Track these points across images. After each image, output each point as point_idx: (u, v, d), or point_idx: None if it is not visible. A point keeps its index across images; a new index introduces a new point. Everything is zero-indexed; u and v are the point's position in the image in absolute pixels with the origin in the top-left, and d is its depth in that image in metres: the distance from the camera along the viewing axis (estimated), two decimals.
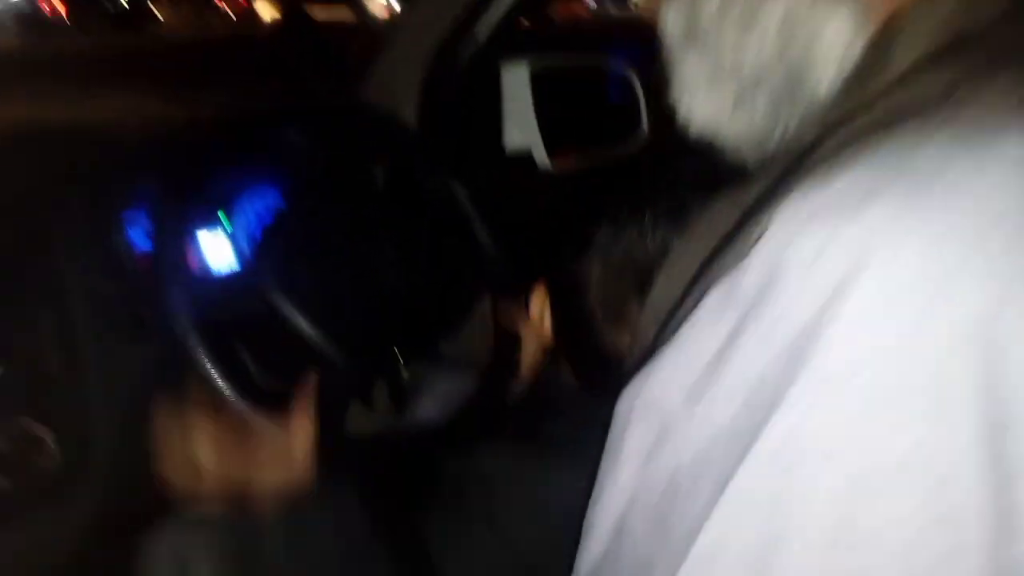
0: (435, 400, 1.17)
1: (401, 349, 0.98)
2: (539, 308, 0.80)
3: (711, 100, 0.49)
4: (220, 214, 1.05)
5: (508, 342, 1.07)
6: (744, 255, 0.34)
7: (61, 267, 0.91)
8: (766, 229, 0.33)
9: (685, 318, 0.37)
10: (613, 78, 1.58)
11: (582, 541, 0.40)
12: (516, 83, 1.42)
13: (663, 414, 0.36)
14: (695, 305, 0.37)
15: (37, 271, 0.90)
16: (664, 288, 0.47)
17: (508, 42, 1.37)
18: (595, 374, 0.76)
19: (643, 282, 0.67)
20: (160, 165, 0.94)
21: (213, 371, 0.78)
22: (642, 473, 0.36)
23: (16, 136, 0.99)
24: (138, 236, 1.00)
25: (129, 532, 0.86)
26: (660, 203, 0.67)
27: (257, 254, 0.96)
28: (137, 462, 0.84)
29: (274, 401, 0.84)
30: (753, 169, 0.49)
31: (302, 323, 0.88)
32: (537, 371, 1.02)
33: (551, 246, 0.88)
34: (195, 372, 0.80)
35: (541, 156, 1.44)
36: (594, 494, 0.40)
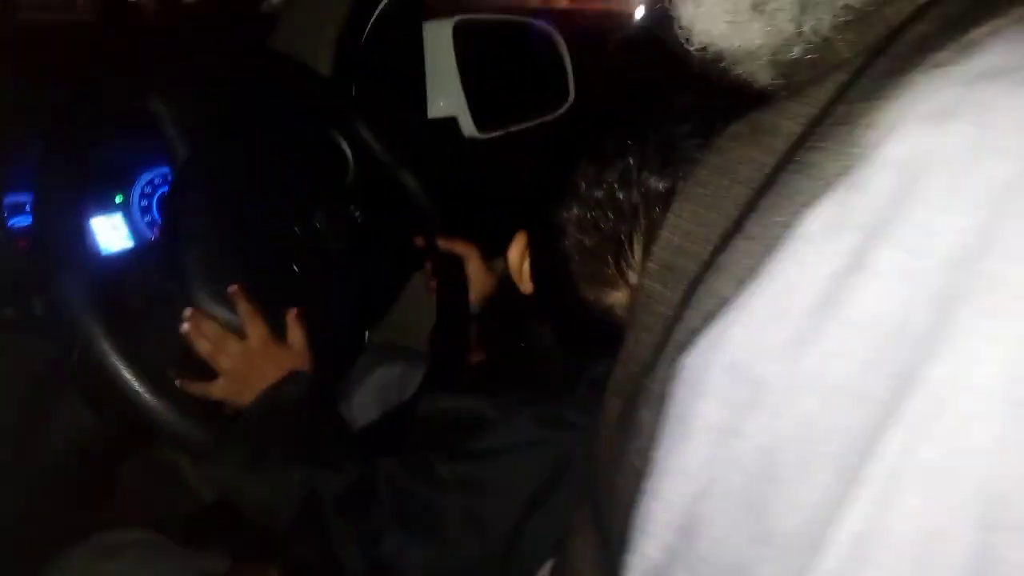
0: (375, 395, 1.07)
1: (335, 329, 0.87)
2: (518, 257, 0.71)
3: (722, 4, 0.42)
4: (119, 188, 0.91)
5: (451, 292, 0.98)
6: (845, 169, 0.27)
7: None
8: (875, 129, 0.26)
9: (746, 261, 0.30)
10: (536, 38, 1.50)
11: (629, 542, 0.32)
12: (439, 42, 1.31)
13: (750, 377, 0.28)
14: (765, 243, 0.29)
15: None
16: (689, 232, 0.39)
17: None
18: (575, 332, 0.68)
19: (630, 229, 0.59)
20: (40, 141, 0.80)
21: (113, 356, 0.66)
22: (721, 453, 0.29)
23: None
24: (20, 220, 0.86)
25: (21, 558, 0.72)
26: (647, 141, 0.59)
27: (164, 237, 0.83)
28: (33, 475, 0.71)
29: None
30: (773, 87, 0.42)
31: (216, 308, 0.77)
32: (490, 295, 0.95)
33: (515, 190, 0.79)
34: (91, 361, 0.67)
35: (468, 123, 1.34)
36: (644, 484, 0.32)
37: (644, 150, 0.59)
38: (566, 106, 1.49)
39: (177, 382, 0.75)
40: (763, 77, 0.43)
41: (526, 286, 0.71)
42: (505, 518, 0.62)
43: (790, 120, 0.37)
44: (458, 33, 1.32)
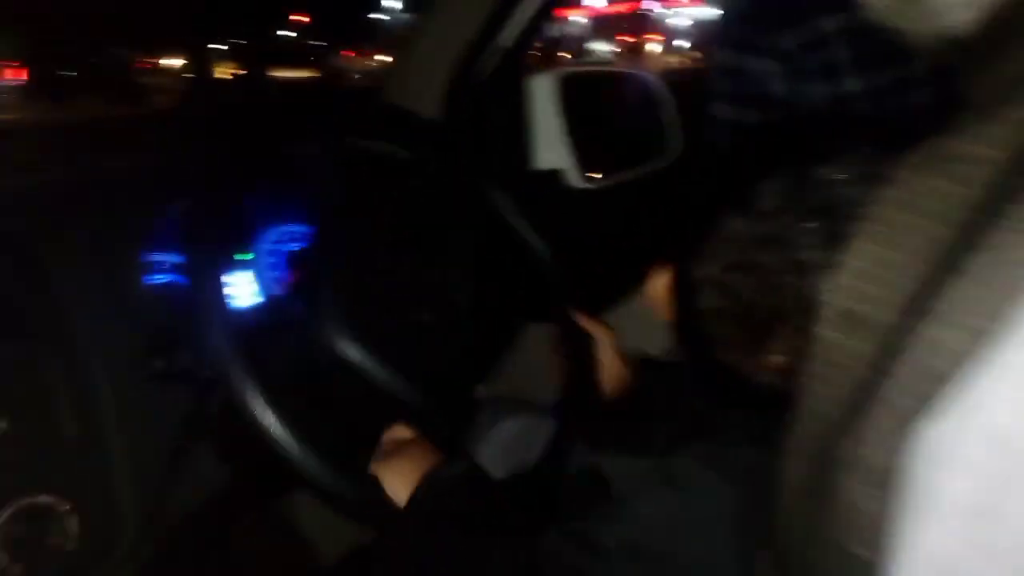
0: (502, 449, 1.04)
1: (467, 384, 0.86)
2: (662, 293, 0.67)
3: None
4: (249, 245, 0.93)
5: (580, 369, 0.95)
6: None
7: (67, 308, 0.79)
8: None
9: (977, 307, 0.27)
10: (639, 87, 1.50)
11: None
12: (543, 96, 1.32)
13: (1016, 448, 0.25)
14: (1000, 286, 0.26)
15: (40, 312, 0.77)
16: (870, 274, 0.36)
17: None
18: (726, 390, 0.64)
19: (801, 284, 0.55)
20: (183, 199, 0.83)
21: (268, 416, 0.65)
22: (977, 533, 0.25)
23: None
24: (160, 276, 0.88)
25: None
26: (804, 189, 0.55)
27: (300, 287, 0.84)
28: (175, 536, 0.70)
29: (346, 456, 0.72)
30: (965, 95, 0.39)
31: (369, 363, 0.76)
32: (623, 386, 0.91)
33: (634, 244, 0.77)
34: (240, 418, 0.67)
35: (575, 175, 1.34)
36: (875, 566, 0.28)
37: (802, 200, 0.55)
38: (674, 155, 1.47)
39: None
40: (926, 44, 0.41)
41: (666, 318, 0.68)
42: None
43: (987, 146, 0.34)
44: (562, 85, 1.33)
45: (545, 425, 0.99)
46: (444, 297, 0.84)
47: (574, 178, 1.33)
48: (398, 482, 0.72)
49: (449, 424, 0.80)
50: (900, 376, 0.32)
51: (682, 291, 0.64)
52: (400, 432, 0.79)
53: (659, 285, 0.69)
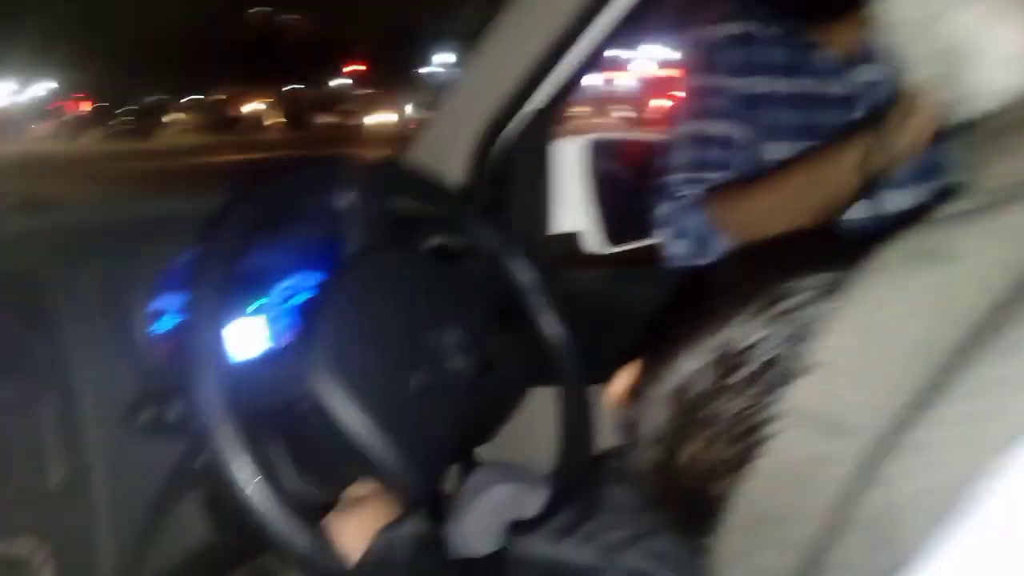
0: (489, 515, 1.02)
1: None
2: (619, 391, 0.62)
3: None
4: (256, 293, 0.93)
5: (578, 440, 0.93)
6: None
7: (68, 352, 0.79)
8: None
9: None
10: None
11: None
12: (569, 159, 1.32)
13: None
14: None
15: (40, 354, 0.77)
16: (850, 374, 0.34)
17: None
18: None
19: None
20: (185, 238, 0.83)
21: (246, 471, 0.64)
22: None
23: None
24: (160, 319, 0.88)
25: None
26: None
27: (300, 337, 0.83)
28: None
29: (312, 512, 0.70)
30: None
31: (348, 416, 0.74)
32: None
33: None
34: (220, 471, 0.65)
35: (593, 238, 1.33)
36: None
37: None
38: None
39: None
40: None
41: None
42: None
43: (997, 244, 0.32)
44: (590, 151, 1.33)
45: (538, 494, 0.96)
46: (444, 361, 0.83)
47: (592, 242, 1.33)
48: (352, 538, 0.70)
49: (428, 487, 0.77)
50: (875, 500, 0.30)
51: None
52: (364, 488, 0.77)
53: (621, 384, 0.64)
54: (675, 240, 1.21)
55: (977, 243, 0.32)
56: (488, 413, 0.99)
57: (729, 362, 0.44)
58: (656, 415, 0.49)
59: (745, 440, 0.41)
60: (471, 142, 1.16)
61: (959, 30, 0.37)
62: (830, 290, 0.43)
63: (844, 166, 0.96)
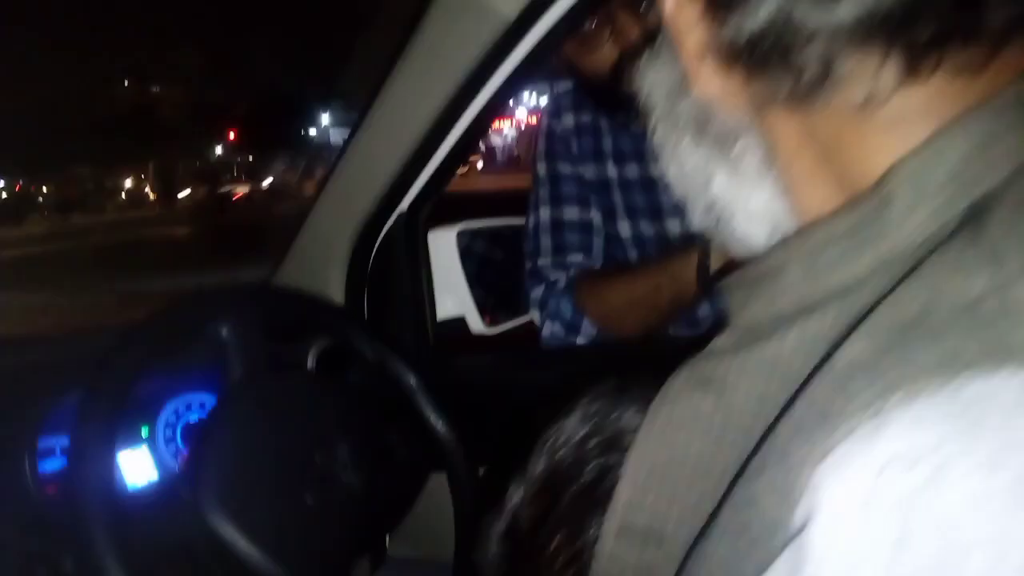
0: None
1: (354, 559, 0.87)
2: None
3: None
4: (141, 420, 0.94)
5: (472, 528, 0.98)
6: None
7: None
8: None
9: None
10: None
11: None
12: (444, 249, 1.39)
13: None
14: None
15: None
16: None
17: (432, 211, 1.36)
18: None
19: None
20: (71, 373, 0.84)
21: None
22: None
23: None
24: (51, 464, 0.88)
25: None
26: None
27: (188, 466, 0.85)
28: None
29: None
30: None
31: (243, 545, 0.77)
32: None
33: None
34: None
35: (475, 320, 1.40)
36: None
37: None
38: None
39: None
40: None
41: None
42: None
43: (749, 377, 0.37)
44: (461, 239, 1.41)
45: None
46: (335, 478, 0.86)
47: (475, 323, 1.40)
48: None
49: None
50: None
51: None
52: None
53: None
54: (549, 322, 1.30)
55: (736, 376, 0.38)
56: (388, 512, 1.02)
57: (557, 487, 0.48)
58: (493, 552, 0.53)
59: (578, 562, 0.46)
60: (346, 247, 1.20)
61: (721, 190, 0.46)
62: (643, 405, 0.50)
63: (690, 267, 1.05)
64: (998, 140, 0.35)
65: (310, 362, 1.02)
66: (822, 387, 0.32)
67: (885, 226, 0.35)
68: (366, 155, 1.22)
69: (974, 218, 0.34)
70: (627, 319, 1.17)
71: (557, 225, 1.32)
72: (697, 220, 0.49)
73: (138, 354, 0.79)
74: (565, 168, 1.34)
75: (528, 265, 1.34)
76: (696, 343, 0.45)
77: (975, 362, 0.28)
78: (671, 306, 1.10)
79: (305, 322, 1.01)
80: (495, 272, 1.48)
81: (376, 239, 1.24)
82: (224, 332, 0.86)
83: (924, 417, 0.27)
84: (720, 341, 0.40)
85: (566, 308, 1.26)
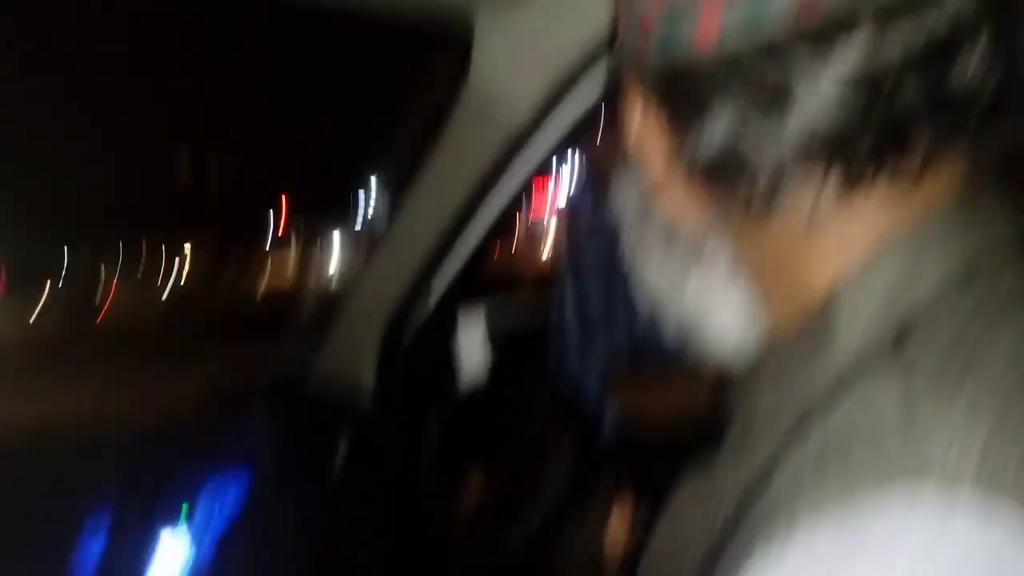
0: None
1: None
2: None
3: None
4: (180, 512, 0.98)
5: None
6: None
7: None
8: None
9: None
10: None
11: None
12: (472, 332, 1.43)
13: None
14: None
15: None
16: None
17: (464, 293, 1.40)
18: None
19: None
20: (116, 466, 0.90)
21: None
22: None
23: None
24: (88, 544, 0.92)
25: None
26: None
27: (221, 555, 0.89)
28: None
29: None
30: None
31: None
32: None
33: None
34: None
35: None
36: None
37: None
38: None
39: None
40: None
41: None
42: None
43: (734, 475, 0.42)
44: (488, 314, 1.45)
45: None
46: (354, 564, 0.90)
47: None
48: None
49: None
50: None
51: None
52: None
53: None
54: (579, 394, 1.34)
55: (726, 472, 0.43)
56: None
57: None
58: None
59: None
60: (376, 338, 1.25)
61: (692, 301, 0.50)
62: None
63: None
64: (929, 249, 0.39)
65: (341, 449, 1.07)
66: (758, 509, 0.37)
67: (827, 353, 0.39)
68: (399, 247, 1.25)
69: (899, 333, 0.37)
70: (655, 417, 1.23)
71: (583, 315, 1.37)
72: (669, 335, 0.52)
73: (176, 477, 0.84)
74: (588, 258, 1.39)
75: (559, 339, 1.38)
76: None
77: (869, 485, 0.31)
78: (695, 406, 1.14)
79: (335, 419, 1.07)
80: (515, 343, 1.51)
81: (406, 328, 1.28)
82: (253, 434, 0.91)
83: (818, 553, 0.32)
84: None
85: (594, 391, 1.31)
